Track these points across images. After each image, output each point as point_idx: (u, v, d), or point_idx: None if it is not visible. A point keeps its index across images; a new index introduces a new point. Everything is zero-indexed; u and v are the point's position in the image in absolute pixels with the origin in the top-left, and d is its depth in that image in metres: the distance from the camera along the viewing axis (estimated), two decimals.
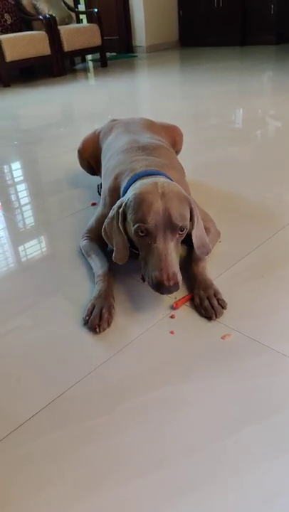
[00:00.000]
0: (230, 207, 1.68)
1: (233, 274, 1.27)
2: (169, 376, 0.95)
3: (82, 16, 6.95)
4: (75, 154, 1.95)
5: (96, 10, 5.69)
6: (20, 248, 1.56)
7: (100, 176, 1.77)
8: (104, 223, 1.23)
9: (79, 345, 1.07)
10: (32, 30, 5.35)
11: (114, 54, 7.00)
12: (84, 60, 6.83)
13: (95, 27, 5.62)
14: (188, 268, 1.24)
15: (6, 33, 5.18)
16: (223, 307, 1.12)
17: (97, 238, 1.37)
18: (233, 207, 1.68)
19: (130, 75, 5.12)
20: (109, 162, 1.48)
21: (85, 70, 6.10)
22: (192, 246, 1.22)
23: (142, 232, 1.07)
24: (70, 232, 1.61)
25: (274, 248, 1.38)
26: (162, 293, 1.06)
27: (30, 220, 1.76)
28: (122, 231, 1.15)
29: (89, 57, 6.93)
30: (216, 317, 1.10)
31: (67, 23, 5.58)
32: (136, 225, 1.07)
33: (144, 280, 1.12)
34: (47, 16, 5.13)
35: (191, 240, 1.19)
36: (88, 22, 6.08)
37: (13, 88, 4.96)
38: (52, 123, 3.31)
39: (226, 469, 0.75)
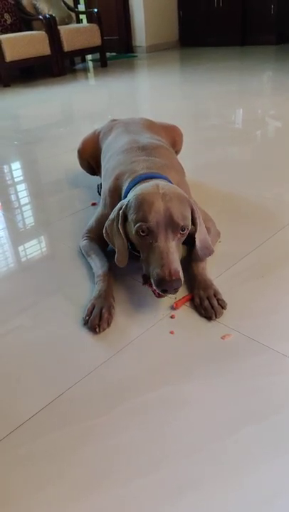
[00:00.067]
0: (230, 207, 1.68)
1: (233, 274, 1.28)
2: (169, 376, 0.95)
3: (82, 16, 6.96)
4: (75, 154, 1.95)
5: (96, 10, 5.70)
6: (20, 248, 1.56)
7: (100, 176, 1.77)
8: (106, 225, 1.22)
9: (79, 345, 1.07)
10: (32, 30, 5.35)
11: (114, 54, 7.00)
12: (84, 60, 6.84)
13: (94, 27, 5.62)
14: (188, 268, 1.24)
15: (6, 33, 5.18)
16: (223, 307, 1.12)
17: (97, 238, 1.37)
18: (233, 207, 1.68)
19: (130, 75, 5.12)
20: (109, 162, 1.48)
21: (85, 70, 6.10)
22: (192, 246, 1.22)
23: (143, 231, 1.07)
24: (70, 232, 1.61)
25: (274, 248, 1.38)
26: (165, 291, 1.02)
27: (30, 220, 1.76)
28: (122, 233, 1.15)
29: (89, 57, 6.93)
30: (216, 317, 1.10)
31: (67, 23, 5.58)
32: (137, 225, 1.07)
33: (144, 282, 1.12)
34: (47, 15, 5.13)
35: (192, 240, 1.19)
36: (88, 22, 6.09)
37: (13, 88, 4.96)
38: (52, 123, 3.31)
39: (226, 469, 0.75)
